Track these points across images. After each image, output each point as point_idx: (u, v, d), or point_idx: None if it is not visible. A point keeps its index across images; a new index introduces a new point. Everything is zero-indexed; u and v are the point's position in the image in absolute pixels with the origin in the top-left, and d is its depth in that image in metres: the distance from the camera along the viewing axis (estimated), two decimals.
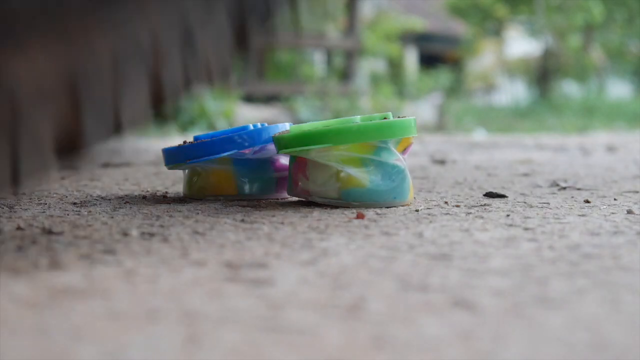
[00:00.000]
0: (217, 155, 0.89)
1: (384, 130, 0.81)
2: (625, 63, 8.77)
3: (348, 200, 0.82)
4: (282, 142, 0.83)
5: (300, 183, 0.84)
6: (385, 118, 0.85)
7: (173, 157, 0.91)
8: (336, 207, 0.83)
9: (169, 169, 0.93)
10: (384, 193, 0.82)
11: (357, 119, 0.86)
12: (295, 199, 0.92)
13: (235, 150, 0.88)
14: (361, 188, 0.81)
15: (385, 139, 0.81)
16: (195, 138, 0.93)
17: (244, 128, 0.92)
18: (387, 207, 0.82)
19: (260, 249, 0.60)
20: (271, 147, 0.89)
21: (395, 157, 0.82)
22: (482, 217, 0.77)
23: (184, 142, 0.92)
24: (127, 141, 3.10)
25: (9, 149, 0.51)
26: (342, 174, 0.81)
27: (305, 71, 6.46)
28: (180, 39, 0.56)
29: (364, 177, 0.81)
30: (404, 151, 0.84)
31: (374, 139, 0.81)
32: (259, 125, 0.92)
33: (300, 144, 0.81)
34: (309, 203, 0.86)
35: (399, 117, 0.84)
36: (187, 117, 4.60)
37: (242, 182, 0.90)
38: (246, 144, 0.88)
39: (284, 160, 0.92)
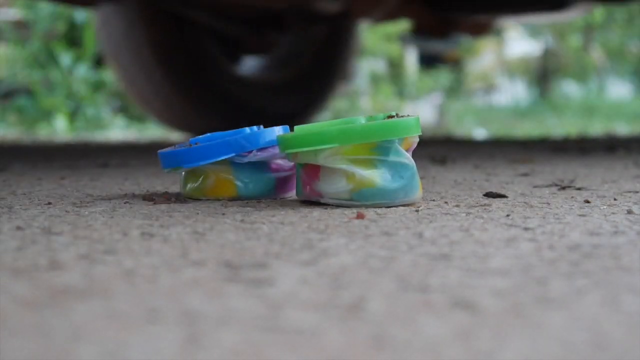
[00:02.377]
0: (215, 159, 0.88)
1: (389, 129, 0.81)
2: (625, 63, 8.77)
3: (361, 200, 0.82)
4: (287, 143, 0.83)
5: (310, 185, 0.84)
6: (390, 116, 0.85)
7: (170, 160, 0.91)
8: (336, 207, 0.83)
9: (167, 172, 0.93)
10: (396, 191, 0.82)
11: (362, 119, 0.86)
12: (294, 199, 0.92)
13: (234, 154, 0.88)
14: (372, 188, 0.81)
15: (390, 138, 0.81)
16: (192, 141, 0.92)
17: (241, 131, 0.92)
18: (399, 206, 0.82)
19: (260, 249, 0.60)
20: (270, 150, 0.89)
21: (403, 156, 0.82)
22: (482, 217, 0.77)
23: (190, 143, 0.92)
24: (126, 140, 3.10)
25: None
26: (352, 176, 0.81)
27: None
28: None
29: (374, 177, 0.81)
30: (407, 150, 0.84)
31: (379, 139, 0.81)
32: (255, 128, 0.92)
33: (305, 144, 0.81)
34: (309, 203, 0.86)
35: (402, 116, 0.84)
36: None
37: (241, 183, 0.90)
38: (244, 147, 0.88)
39: (282, 161, 0.92)
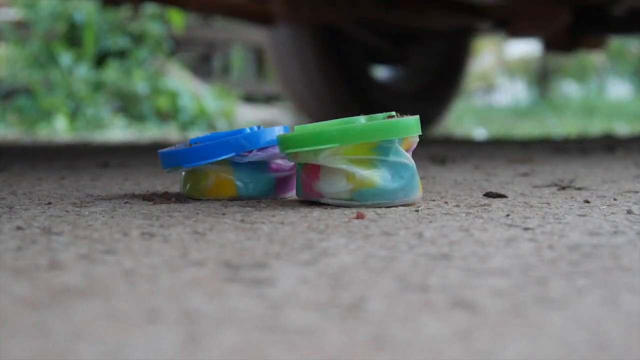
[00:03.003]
0: (215, 159, 0.88)
1: (389, 129, 0.81)
2: (625, 63, 8.76)
3: (361, 201, 0.82)
4: (287, 143, 0.83)
5: (310, 185, 0.84)
6: (390, 116, 0.85)
7: (170, 160, 0.91)
8: (336, 207, 0.83)
9: (167, 172, 0.93)
10: (396, 191, 0.82)
11: (362, 118, 0.86)
12: (294, 199, 0.92)
13: (234, 154, 0.88)
14: (372, 188, 0.81)
15: (390, 138, 0.81)
16: (192, 141, 0.92)
17: (241, 131, 0.92)
18: (399, 206, 0.82)
19: (260, 249, 0.60)
20: (270, 149, 0.89)
21: (403, 156, 0.82)
22: (482, 217, 0.77)
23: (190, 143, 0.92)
24: (126, 140, 3.10)
25: None
26: (352, 176, 0.81)
27: None
28: None
29: (374, 177, 0.81)
30: (407, 150, 0.84)
31: (379, 138, 0.81)
32: (255, 128, 0.92)
33: (305, 144, 0.81)
34: (309, 203, 0.86)
35: (402, 116, 0.84)
36: (186, 117, 4.61)
37: (241, 183, 0.90)
38: (245, 147, 0.88)
39: (282, 161, 0.92)
